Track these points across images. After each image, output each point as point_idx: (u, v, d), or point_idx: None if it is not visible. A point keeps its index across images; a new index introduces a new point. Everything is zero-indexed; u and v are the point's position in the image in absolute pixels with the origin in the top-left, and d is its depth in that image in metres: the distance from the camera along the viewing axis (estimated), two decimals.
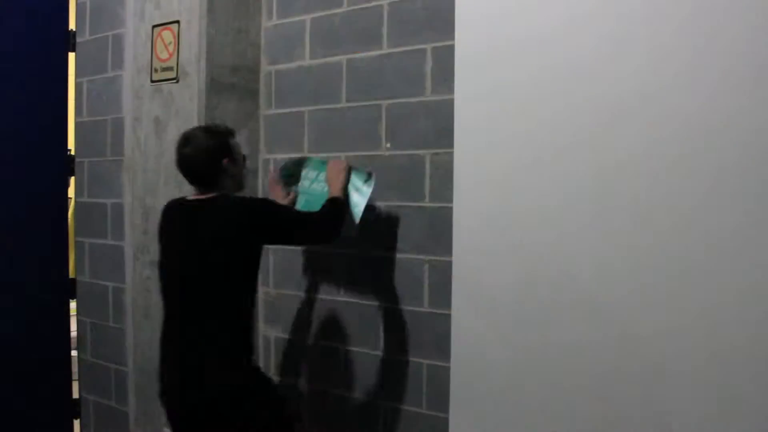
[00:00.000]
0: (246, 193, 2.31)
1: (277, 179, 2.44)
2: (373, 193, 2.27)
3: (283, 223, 2.12)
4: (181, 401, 2.04)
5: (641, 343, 1.81)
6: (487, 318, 2.08)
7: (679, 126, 1.75)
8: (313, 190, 2.40)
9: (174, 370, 2.06)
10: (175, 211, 2.17)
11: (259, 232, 2.06)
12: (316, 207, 2.21)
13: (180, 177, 2.62)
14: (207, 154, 2.06)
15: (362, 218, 2.26)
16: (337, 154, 2.51)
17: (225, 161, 2.08)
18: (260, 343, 2.77)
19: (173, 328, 2.09)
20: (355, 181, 2.29)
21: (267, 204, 2.19)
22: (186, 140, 2.10)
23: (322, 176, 2.35)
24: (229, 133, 2.16)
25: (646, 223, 1.79)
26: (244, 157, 2.22)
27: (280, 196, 2.38)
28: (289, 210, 2.24)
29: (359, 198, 2.27)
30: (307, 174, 2.44)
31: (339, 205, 2.18)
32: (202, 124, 2.56)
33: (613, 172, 1.84)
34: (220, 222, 2.02)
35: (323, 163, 2.39)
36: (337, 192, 2.22)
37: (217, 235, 2.01)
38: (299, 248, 2.64)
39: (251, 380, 2.06)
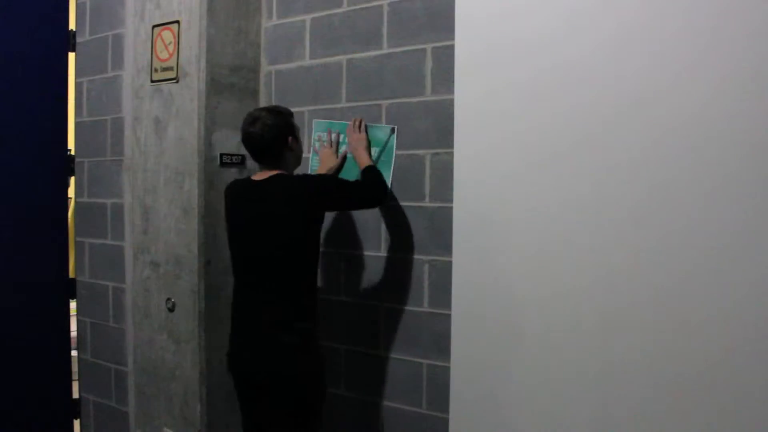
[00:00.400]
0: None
1: (325, 145, 2.55)
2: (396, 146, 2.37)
3: (339, 195, 2.25)
4: (240, 361, 2.24)
5: (642, 343, 1.81)
6: (487, 318, 2.08)
7: (678, 126, 1.75)
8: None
9: (237, 335, 2.26)
10: (240, 189, 2.31)
11: (319, 206, 2.21)
12: (351, 168, 2.43)
13: (180, 177, 2.64)
14: (274, 131, 2.19)
15: (391, 174, 2.38)
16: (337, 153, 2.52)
17: (290, 139, 2.22)
18: None
19: (240, 300, 2.28)
20: (377, 137, 2.41)
21: (323, 179, 2.32)
22: (253, 119, 2.22)
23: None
24: (291, 114, 2.30)
25: (645, 222, 1.80)
26: (299, 139, 2.34)
27: (331, 156, 2.51)
28: (340, 183, 2.32)
29: (385, 158, 2.39)
30: (335, 137, 2.54)
31: (375, 172, 2.31)
32: (202, 124, 2.57)
33: (613, 171, 1.84)
34: (285, 198, 2.16)
35: (346, 125, 2.48)
36: (366, 162, 2.34)
37: (282, 211, 2.16)
38: None
39: (302, 343, 2.17)
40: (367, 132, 2.42)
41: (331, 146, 2.53)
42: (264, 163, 2.24)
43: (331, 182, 2.30)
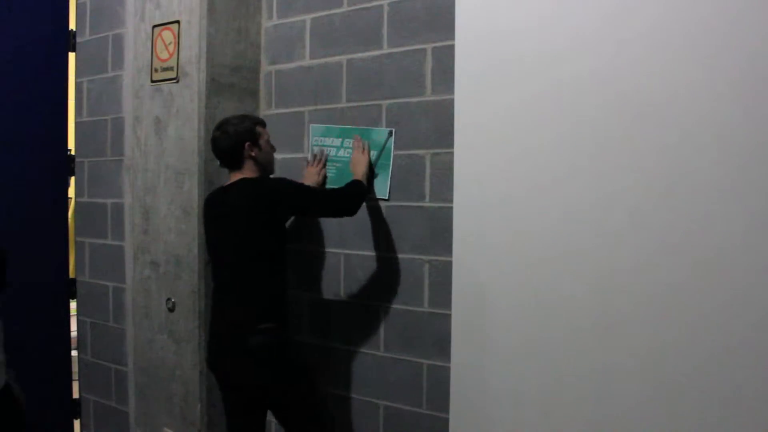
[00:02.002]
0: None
1: (310, 160, 2.58)
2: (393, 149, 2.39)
3: (302, 198, 2.28)
4: (214, 363, 2.31)
5: (642, 343, 1.81)
6: (487, 318, 2.08)
7: (679, 131, 1.75)
8: (340, 158, 2.53)
9: (211, 337, 2.33)
10: (210, 196, 2.41)
11: (279, 209, 2.24)
12: (345, 174, 2.45)
13: (180, 177, 2.64)
14: (231, 138, 2.26)
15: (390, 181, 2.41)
16: (338, 156, 2.51)
17: (247, 145, 2.26)
18: None
19: (213, 303, 2.37)
20: (375, 140, 2.42)
21: (286, 184, 2.29)
22: (218, 125, 2.34)
23: (347, 143, 2.50)
24: (258, 122, 2.35)
25: (646, 223, 1.80)
26: (272, 146, 2.38)
27: (314, 175, 2.53)
28: (306, 188, 2.34)
29: (384, 160, 2.41)
30: (332, 142, 2.55)
31: (359, 187, 2.33)
32: (202, 124, 2.57)
33: (613, 171, 1.84)
34: (243, 202, 2.22)
35: (344, 130, 2.50)
36: (359, 176, 2.37)
37: (240, 215, 2.22)
38: (299, 249, 2.64)
39: (267, 343, 2.19)
40: (369, 150, 2.43)
41: (316, 165, 2.54)
42: (228, 168, 2.32)
43: (294, 186, 2.29)
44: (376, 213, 2.45)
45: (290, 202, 2.26)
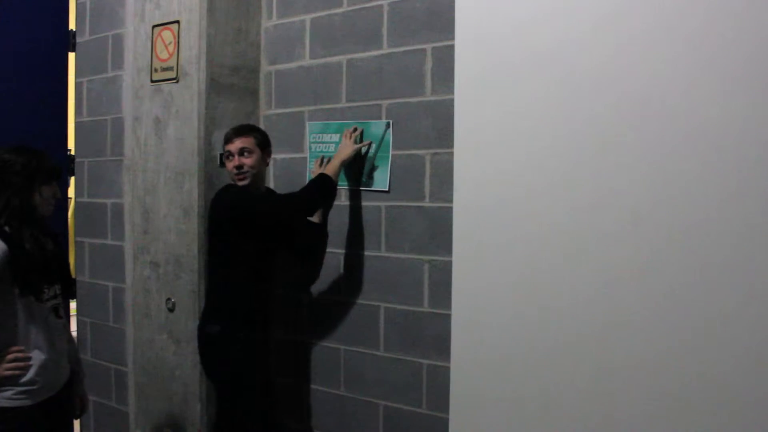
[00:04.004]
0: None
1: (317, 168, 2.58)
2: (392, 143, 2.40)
3: (259, 218, 2.37)
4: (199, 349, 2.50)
5: (642, 343, 1.81)
6: (487, 318, 2.08)
7: (680, 132, 1.75)
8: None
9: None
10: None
11: (236, 223, 2.35)
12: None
13: (180, 177, 2.64)
14: None
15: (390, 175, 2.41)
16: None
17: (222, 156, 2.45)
18: None
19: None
20: (374, 133, 2.43)
21: (249, 199, 2.39)
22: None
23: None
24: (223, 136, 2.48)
25: (646, 224, 1.79)
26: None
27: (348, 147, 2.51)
28: (274, 202, 2.48)
29: (383, 153, 2.42)
30: (331, 138, 2.56)
31: (318, 182, 2.37)
32: (202, 124, 2.58)
33: (614, 171, 1.84)
34: (214, 206, 2.44)
35: (342, 125, 2.50)
36: (330, 168, 2.40)
37: (212, 217, 2.44)
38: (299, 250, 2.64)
39: (220, 333, 2.38)
40: (362, 138, 2.44)
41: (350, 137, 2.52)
42: None
43: (255, 204, 2.39)
44: (376, 213, 2.45)
45: (247, 216, 2.36)
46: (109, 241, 3.13)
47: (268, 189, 2.63)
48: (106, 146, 3.12)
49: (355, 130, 2.45)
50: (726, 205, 1.69)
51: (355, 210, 2.50)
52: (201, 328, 2.45)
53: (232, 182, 2.43)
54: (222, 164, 2.64)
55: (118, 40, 3.05)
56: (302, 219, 2.48)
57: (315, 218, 2.55)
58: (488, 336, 2.08)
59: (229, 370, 2.38)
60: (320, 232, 2.57)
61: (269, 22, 2.75)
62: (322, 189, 2.37)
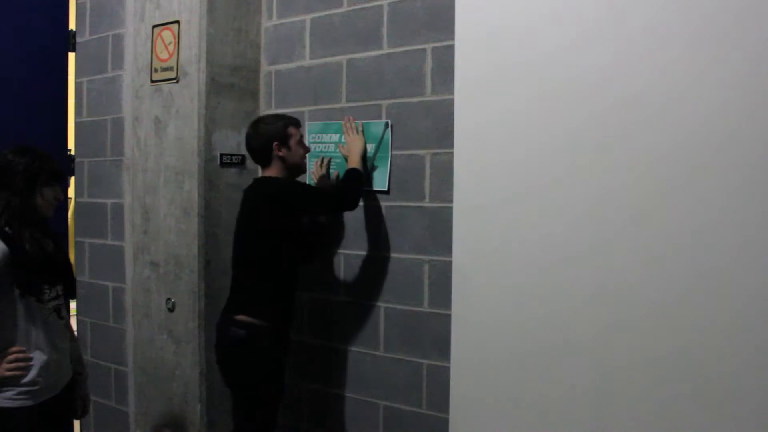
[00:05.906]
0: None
1: (318, 168, 2.58)
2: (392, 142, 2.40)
3: (311, 205, 2.36)
4: (215, 347, 2.39)
5: (641, 343, 1.81)
6: (487, 318, 2.08)
7: (680, 132, 1.75)
8: (339, 153, 2.53)
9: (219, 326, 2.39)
10: (245, 189, 2.42)
11: (286, 211, 2.27)
12: (342, 169, 2.45)
13: (180, 177, 2.64)
14: (261, 138, 2.31)
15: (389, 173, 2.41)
16: (338, 152, 2.52)
17: (275, 145, 2.29)
18: None
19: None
20: (373, 133, 2.42)
21: (293, 186, 2.34)
22: (252, 123, 2.39)
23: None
24: (291, 122, 2.35)
25: (646, 223, 1.79)
26: (304, 147, 2.40)
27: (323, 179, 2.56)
28: (316, 195, 2.41)
29: (382, 152, 2.41)
30: (330, 138, 2.56)
31: (356, 178, 2.34)
32: (202, 124, 2.57)
33: (614, 172, 1.84)
34: (258, 200, 2.29)
35: (341, 125, 2.49)
36: (354, 163, 2.38)
37: (251, 212, 2.31)
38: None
39: (246, 338, 2.27)
40: (363, 132, 2.44)
41: (322, 170, 2.56)
42: (258, 165, 2.42)
43: (301, 188, 2.36)
44: (376, 213, 2.45)
45: (295, 202, 2.28)
46: (109, 241, 3.13)
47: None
48: (106, 146, 3.12)
49: (350, 120, 2.45)
50: (726, 206, 1.69)
51: (355, 210, 2.50)
52: (223, 329, 2.32)
53: (299, 165, 2.35)
54: (222, 164, 2.64)
55: (118, 40, 3.05)
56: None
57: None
58: (488, 336, 2.08)
59: (255, 374, 2.29)
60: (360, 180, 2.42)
61: (269, 22, 2.75)
62: (362, 180, 2.37)
